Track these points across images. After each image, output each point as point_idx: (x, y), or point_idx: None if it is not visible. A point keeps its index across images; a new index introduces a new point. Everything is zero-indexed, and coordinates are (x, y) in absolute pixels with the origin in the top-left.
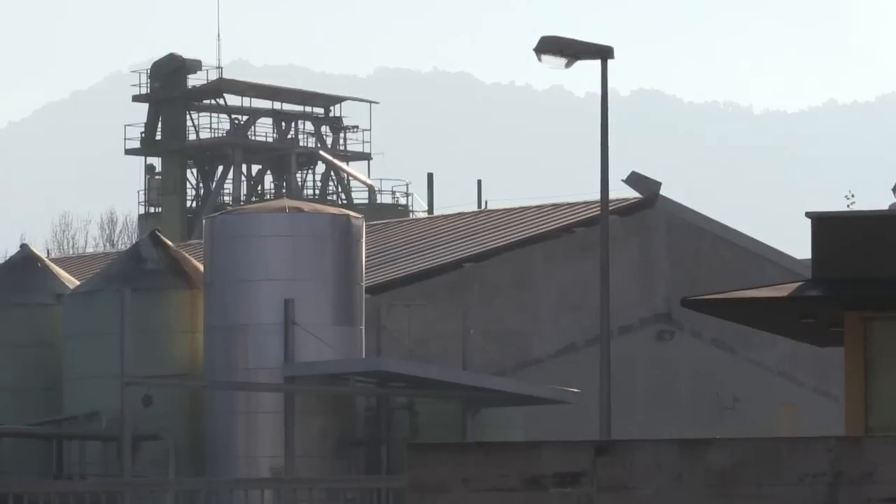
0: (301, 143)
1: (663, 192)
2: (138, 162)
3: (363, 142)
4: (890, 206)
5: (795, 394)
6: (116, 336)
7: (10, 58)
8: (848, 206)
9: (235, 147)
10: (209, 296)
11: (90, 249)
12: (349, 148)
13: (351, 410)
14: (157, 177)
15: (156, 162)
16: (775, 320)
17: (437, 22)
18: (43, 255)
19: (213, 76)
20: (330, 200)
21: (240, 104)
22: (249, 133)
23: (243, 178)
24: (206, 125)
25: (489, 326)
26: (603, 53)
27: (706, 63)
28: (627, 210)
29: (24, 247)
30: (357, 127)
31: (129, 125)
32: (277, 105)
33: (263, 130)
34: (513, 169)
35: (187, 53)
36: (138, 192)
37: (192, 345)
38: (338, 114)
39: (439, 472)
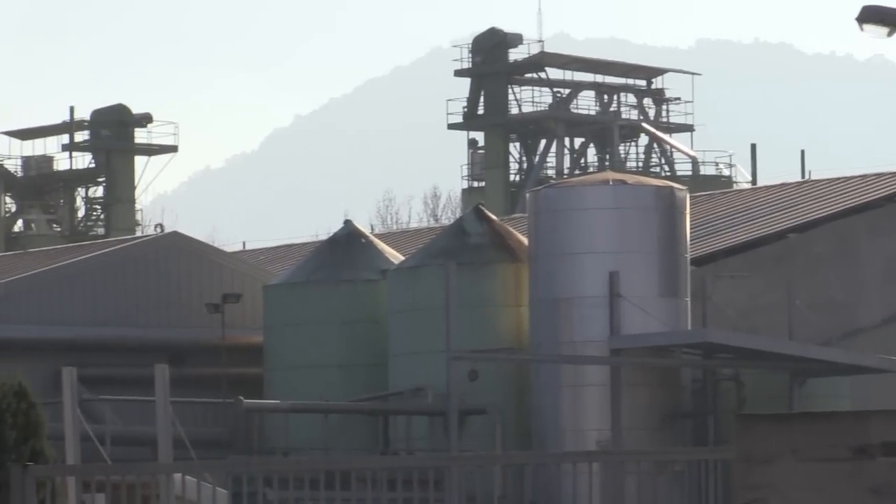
0: (623, 116)
1: None
2: (461, 136)
3: (685, 113)
4: None
5: None
6: (441, 311)
7: (333, 35)
8: None
9: (558, 120)
10: (534, 269)
11: (413, 225)
12: (671, 120)
13: (677, 382)
14: (479, 151)
15: (478, 136)
16: None
17: None
18: (367, 231)
19: (535, 50)
20: (653, 172)
21: (561, 77)
22: (572, 106)
23: (566, 151)
24: (528, 99)
25: (814, 297)
26: None
27: None
28: None
29: (347, 223)
30: (679, 98)
31: (451, 100)
32: (599, 78)
33: (585, 103)
34: (835, 138)
35: (508, 27)
36: (461, 166)
37: (517, 318)
38: (660, 86)
39: (767, 442)
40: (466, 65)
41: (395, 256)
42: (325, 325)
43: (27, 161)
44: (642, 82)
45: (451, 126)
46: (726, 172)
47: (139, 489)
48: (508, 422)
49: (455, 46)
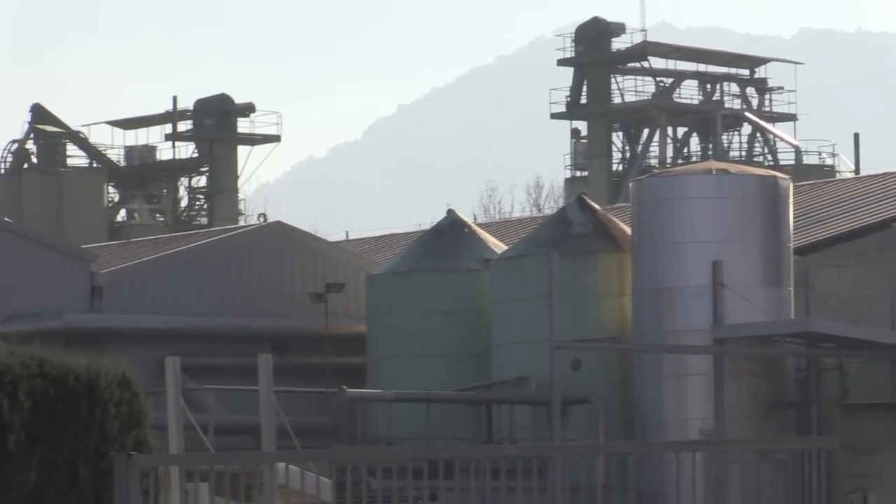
0: (726, 105)
1: None
2: (564, 126)
3: (788, 103)
4: None
5: None
6: (544, 300)
7: (436, 25)
8: None
9: (661, 110)
10: (637, 259)
11: (516, 214)
12: (774, 109)
13: (780, 372)
14: (582, 140)
15: (581, 125)
16: None
17: None
18: (470, 220)
19: (638, 39)
20: (756, 162)
21: (664, 67)
22: (674, 95)
23: (669, 140)
24: (630, 88)
25: None
26: None
27: None
28: None
29: (450, 212)
30: (782, 88)
31: (554, 89)
32: (702, 67)
33: (688, 93)
34: None
35: (611, 17)
36: (564, 155)
37: (620, 308)
38: (762, 75)
39: (871, 431)
40: (569, 54)
41: (498, 246)
42: (429, 314)
43: (130, 151)
44: (745, 71)
45: (554, 115)
46: (829, 162)
47: (243, 478)
48: (611, 411)
49: (558, 36)
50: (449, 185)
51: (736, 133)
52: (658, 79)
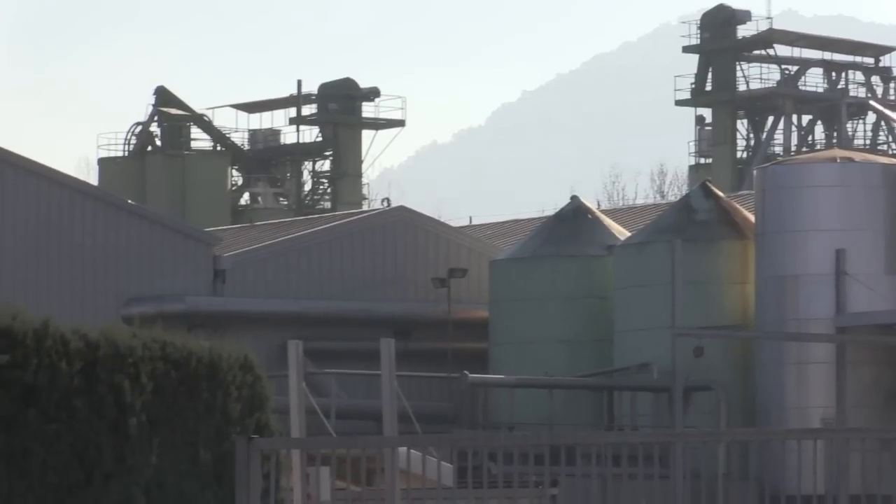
0: (851, 93)
1: None
2: (688, 113)
3: None
4: None
5: None
6: (667, 287)
7: (561, 11)
8: None
9: (786, 97)
10: (760, 246)
11: (640, 201)
12: None
13: None
14: (707, 127)
15: (706, 113)
16: None
17: None
18: (593, 207)
19: (763, 26)
20: (880, 150)
21: (790, 54)
22: (800, 83)
23: (793, 128)
24: (755, 75)
25: None
26: None
27: None
28: None
29: (574, 199)
30: None
31: (678, 76)
32: (827, 55)
33: (813, 80)
34: None
35: (737, 4)
36: (688, 142)
37: (743, 296)
38: (888, 64)
39: None
40: (695, 41)
41: (622, 232)
42: (551, 300)
43: (254, 134)
44: (870, 60)
45: (679, 102)
46: None
47: (364, 463)
48: (733, 399)
49: (683, 22)
50: (573, 171)
51: (860, 121)
52: (783, 66)
